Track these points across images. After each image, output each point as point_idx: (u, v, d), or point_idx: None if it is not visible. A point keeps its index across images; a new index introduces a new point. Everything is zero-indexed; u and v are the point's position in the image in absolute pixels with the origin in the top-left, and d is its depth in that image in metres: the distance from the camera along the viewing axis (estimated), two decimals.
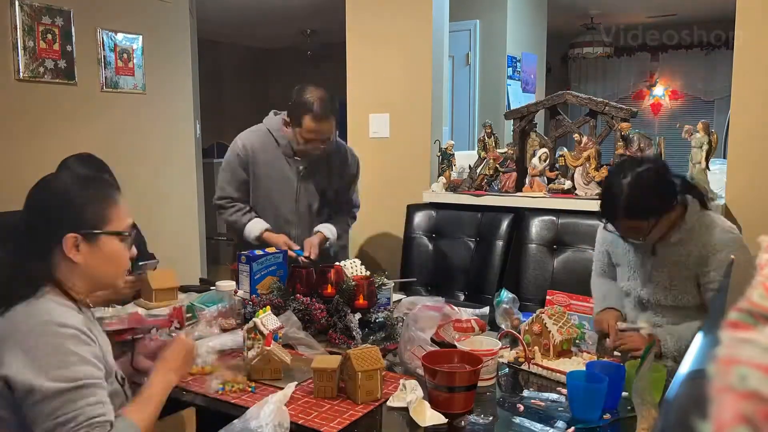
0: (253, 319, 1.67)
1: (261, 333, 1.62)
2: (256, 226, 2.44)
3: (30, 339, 1.12)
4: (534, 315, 1.71)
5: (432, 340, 1.65)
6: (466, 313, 1.84)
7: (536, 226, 2.64)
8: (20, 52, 2.97)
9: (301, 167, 2.50)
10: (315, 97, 2.36)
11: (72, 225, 1.22)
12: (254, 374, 1.54)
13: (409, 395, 1.37)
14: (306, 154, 2.45)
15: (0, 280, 1.21)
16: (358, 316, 1.77)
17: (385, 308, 1.90)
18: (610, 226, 1.78)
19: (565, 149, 2.73)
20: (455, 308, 1.87)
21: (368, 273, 2.04)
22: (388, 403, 1.39)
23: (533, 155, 2.76)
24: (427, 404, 1.34)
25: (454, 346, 1.65)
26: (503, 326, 1.86)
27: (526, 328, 1.68)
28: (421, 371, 1.48)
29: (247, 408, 1.38)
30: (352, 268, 2.04)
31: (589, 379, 1.37)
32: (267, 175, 2.50)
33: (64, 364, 1.12)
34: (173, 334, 1.75)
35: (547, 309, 1.70)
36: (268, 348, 1.53)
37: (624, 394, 1.41)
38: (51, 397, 1.09)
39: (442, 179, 2.96)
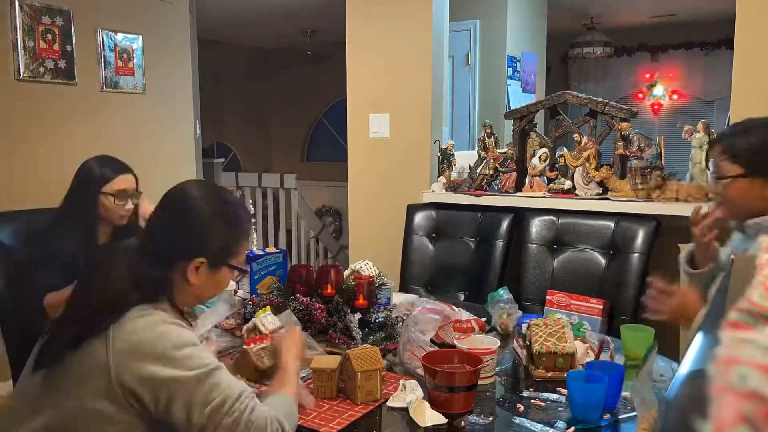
0: (253, 319, 1.67)
1: (260, 333, 1.62)
2: None
3: (158, 345, 1.13)
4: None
5: (431, 341, 1.65)
6: (466, 313, 1.84)
7: (536, 226, 2.64)
8: (20, 52, 2.97)
9: None
10: None
11: (204, 250, 1.25)
12: (233, 372, 1.54)
13: (409, 395, 1.37)
14: None
15: (118, 282, 1.19)
16: (357, 316, 1.77)
17: (385, 308, 1.90)
18: None
19: (565, 149, 2.72)
20: (455, 309, 1.87)
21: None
22: (388, 404, 1.39)
23: (533, 155, 2.76)
24: (427, 404, 1.34)
25: (454, 347, 1.65)
26: (497, 327, 1.86)
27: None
28: (420, 371, 1.48)
29: None
30: (367, 270, 2.06)
31: (589, 379, 1.37)
32: None
33: (195, 355, 1.15)
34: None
35: (543, 318, 1.70)
36: (246, 348, 1.52)
37: (625, 394, 1.41)
38: (196, 383, 1.12)
39: (442, 179, 2.96)
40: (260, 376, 1.51)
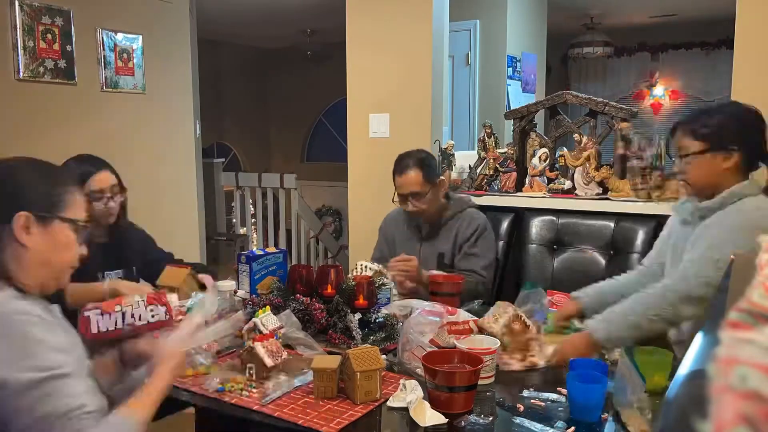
0: (253, 319, 1.67)
1: (260, 333, 1.62)
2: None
3: None
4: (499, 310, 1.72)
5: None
6: (465, 314, 1.84)
7: (536, 226, 2.64)
8: (20, 51, 2.97)
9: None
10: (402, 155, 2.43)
11: (24, 205, 1.15)
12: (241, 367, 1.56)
13: (409, 395, 1.37)
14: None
15: None
16: (357, 316, 1.77)
17: (385, 308, 1.90)
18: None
19: (565, 149, 2.73)
20: (456, 310, 1.87)
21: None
22: (388, 403, 1.39)
23: (533, 155, 2.76)
24: (427, 404, 1.34)
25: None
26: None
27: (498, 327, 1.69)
28: (420, 371, 1.48)
29: (247, 408, 1.38)
30: (370, 269, 2.09)
31: (589, 380, 1.37)
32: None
33: (33, 354, 1.06)
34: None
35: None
36: (255, 344, 1.53)
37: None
38: (26, 389, 1.03)
39: (445, 182, 2.95)
40: (268, 371, 1.53)
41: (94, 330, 1.74)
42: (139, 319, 1.79)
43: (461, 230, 2.39)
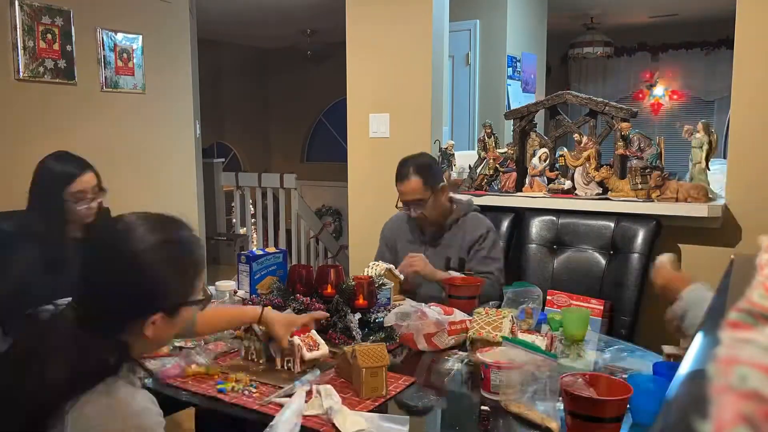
0: None
1: (256, 334, 1.63)
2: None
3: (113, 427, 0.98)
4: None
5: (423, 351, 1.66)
6: (461, 314, 1.84)
7: (536, 226, 2.64)
8: (20, 51, 2.97)
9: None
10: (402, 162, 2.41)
11: (159, 304, 1.07)
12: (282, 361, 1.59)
13: (325, 401, 1.33)
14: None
15: (67, 366, 1.01)
16: (357, 316, 1.77)
17: (385, 308, 1.90)
18: None
19: (565, 149, 2.72)
20: (455, 311, 1.87)
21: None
22: (304, 412, 1.33)
23: (533, 155, 2.76)
24: (348, 410, 1.31)
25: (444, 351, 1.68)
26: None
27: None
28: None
29: (247, 408, 1.38)
30: (374, 269, 2.10)
31: (653, 382, 1.31)
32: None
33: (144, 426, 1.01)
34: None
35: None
36: (293, 338, 1.56)
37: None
38: None
39: (447, 187, 2.95)
40: (306, 365, 1.56)
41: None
42: None
43: (467, 233, 2.38)
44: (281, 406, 1.37)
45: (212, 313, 1.60)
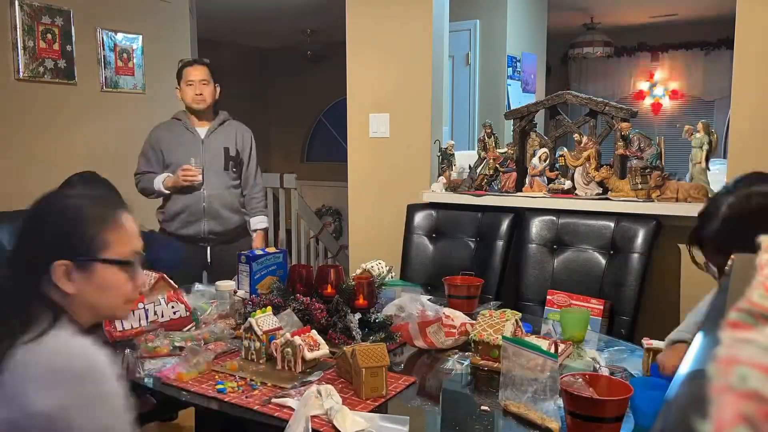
0: (249, 319, 1.67)
1: (256, 334, 1.63)
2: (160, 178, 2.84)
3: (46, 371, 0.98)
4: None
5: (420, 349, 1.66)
6: (461, 317, 1.83)
7: (536, 226, 2.64)
8: (20, 51, 2.97)
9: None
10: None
11: (63, 251, 1.09)
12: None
13: (326, 402, 1.32)
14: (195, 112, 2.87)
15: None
16: (358, 315, 1.77)
17: (384, 310, 1.90)
18: None
19: (565, 149, 2.72)
20: (456, 312, 1.87)
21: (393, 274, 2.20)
22: (306, 413, 1.31)
23: (533, 155, 2.76)
24: (348, 410, 1.30)
25: (445, 351, 1.69)
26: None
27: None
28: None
29: (247, 408, 1.38)
30: (378, 268, 2.10)
31: (653, 387, 1.29)
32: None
33: (107, 408, 1.01)
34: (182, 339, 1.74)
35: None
36: (293, 338, 1.56)
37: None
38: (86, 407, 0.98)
39: (442, 179, 2.96)
40: (307, 365, 1.57)
41: (119, 329, 1.76)
42: (162, 316, 1.82)
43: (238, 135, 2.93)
44: (281, 406, 1.37)
45: None
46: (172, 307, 1.86)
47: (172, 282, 1.99)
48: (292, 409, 1.34)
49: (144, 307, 1.81)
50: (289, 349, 1.58)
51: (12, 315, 1.05)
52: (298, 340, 1.56)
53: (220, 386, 1.48)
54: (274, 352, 1.60)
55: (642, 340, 1.63)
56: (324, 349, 1.61)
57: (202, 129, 2.86)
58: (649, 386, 1.30)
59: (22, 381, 0.97)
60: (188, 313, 1.88)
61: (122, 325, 1.77)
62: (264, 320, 1.66)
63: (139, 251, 1.18)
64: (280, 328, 1.67)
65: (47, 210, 1.14)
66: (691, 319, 1.64)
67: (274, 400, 1.40)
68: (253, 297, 1.97)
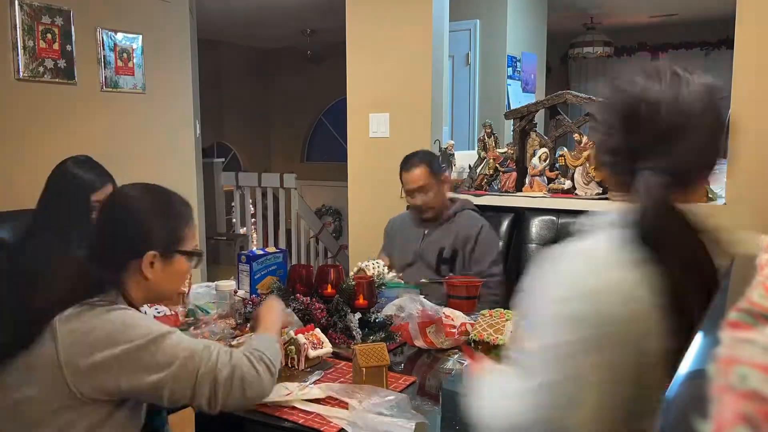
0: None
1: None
2: None
3: (104, 329, 1.15)
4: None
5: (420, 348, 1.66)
6: (461, 317, 1.83)
7: (536, 226, 2.64)
8: (20, 51, 2.97)
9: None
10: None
11: (151, 243, 1.26)
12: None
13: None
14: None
15: (62, 281, 1.23)
16: (358, 315, 1.77)
17: (384, 310, 1.90)
18: None
19: (565, 149, 2.73)
20: (456, 312, 1.87)
21: (393, 273, 2.19)
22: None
23: (533, 155, 2.76)
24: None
25: (445, 351, 1.70)
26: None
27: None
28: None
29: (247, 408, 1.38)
30: (373, 268, 2.10)
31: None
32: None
33: (141, 325, 1.18)
34: None
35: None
36: (296, 338, 1.57)
37: None
38: (147, 347, 1.14)
39: (450, 178, 2.95)
40: (311, 363, 1.58)
41: None
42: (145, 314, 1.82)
43: (462, 228, 2.49)
44: (283, 405, 1.37)
45: None
46: (156, 308, 1.86)
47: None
48: (294, 408, 1.35)
49: None
50: (292, 347, 1.58)
51: (88, 293, 1.20)
52: (302, 338, 1.57)
53: None
54: None
55: None
56: (327, 347, 1.61)
57: None
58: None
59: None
60: (173, 313, 1.88)
61: None
62: None
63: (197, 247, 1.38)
64: (285, 326, 1.67)
65: (131, 208, 1.31)
66: None
67: (275, 399, 1.40)
68: (253, 297, 1.97)
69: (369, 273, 2.09)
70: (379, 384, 1.42)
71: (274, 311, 1.51)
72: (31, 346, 1.14)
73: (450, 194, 2.72)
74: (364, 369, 1.40)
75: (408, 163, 2.52)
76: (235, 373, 1.19)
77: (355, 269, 2.16)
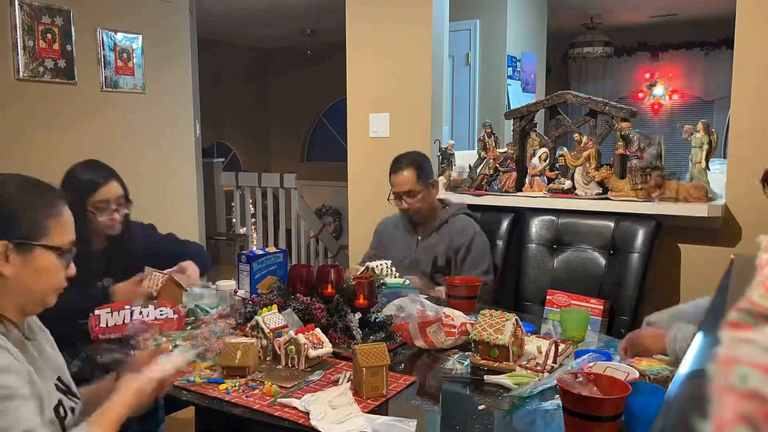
0: (255, 317, 1.68)
1: (263, 331, 1.63)
2: None
3: None
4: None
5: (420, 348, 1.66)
6: (461, 316, 1.83)
7: (536, 226, 2.64)
8: (20, 51, 2.97)
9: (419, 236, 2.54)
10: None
11: (5, 232, 1.12)
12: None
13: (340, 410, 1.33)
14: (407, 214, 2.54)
15: None
16: (358, 315, 1.77)
17: (384, 309, 1.90)
18: None
19: (565, 149, 2.72)
20: (456, 312, 1.87)
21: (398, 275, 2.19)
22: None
23: (533, 155, 2.76)
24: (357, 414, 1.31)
25: (445, 351, 1.69)
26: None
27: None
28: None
29: (247, 408, 1.38)
30: (380, 268, 2.11)
31: (645, 392, 1.25)
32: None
33: None
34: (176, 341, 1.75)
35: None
36: (296, 337, 1.57)
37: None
38: None
39: (442, 179, 2.95)
40: (311, 363, 1.59)
41: (103, 325, 1.79)
42: (148, 316, 1.83)
43: (455, 235, 2.48)
44: (283, 405, 1.37)
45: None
46: (161, 311, 1.86)
47: (181, 284, 1.99)
48: (295, 409, 1.35)
49: (130, 308, 1.83)
50: (292, 347, 1.58)
51: None
52: (302, 338, 1.57)
53: (222, 386, 1.48)
54: (278, 350, 1.61)
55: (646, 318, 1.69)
56: (328, 347, 1.61)
57: None
58: (641, 391, 1.26)
59: None
60: (176, 317, 1.88)
61: (106, 322, 1.79)
62: (270, 318, 1.67)
63: (74, 243, 1.23)
64: (286, 326, 1.67)
65: (3, 186, 1.17)
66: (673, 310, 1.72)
67: (279, 399, 1.40)
68: (253, 297, 1.97)
69: (378, 272, 2.10)
70: (380, 383, 1.42)
71: (132, 385, 1.24)
72: None
73: (444, 195, 2.72)
74: (364, 369, 1.40)
75: (396, 164, 2.50)
76: None
77: (362, 269, 2.16)
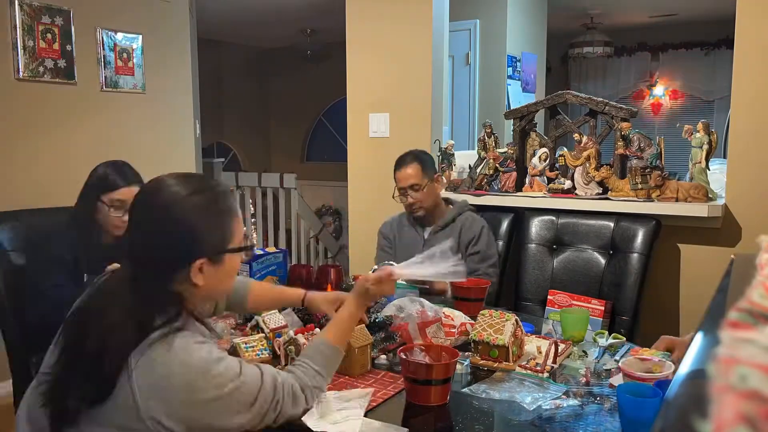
0: (255, 317, 1.68)
1: (263, 331, 1.63)
2: None
3: (183, 377, 1.05)
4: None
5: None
6: (461, 316, 1.83)
7: (536, 226, 2.64)
8: (20, 51, 2.97)
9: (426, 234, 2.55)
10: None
11: (200, 250, 1.13)
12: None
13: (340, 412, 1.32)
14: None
15: (117, 327, 1.07)
16: None
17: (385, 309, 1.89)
18: None
19: (565, 149, 2.72)
20: (456, 312, 1.87)
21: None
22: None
23: (533, 155, 2.76)
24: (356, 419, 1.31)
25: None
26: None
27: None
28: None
29: None
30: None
31: (641, 393, 1.24)
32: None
33: (220, 373, 1.09)
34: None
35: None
36: (296, 337, 1.58)
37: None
38: (229, 397, 1.09)
39: (443, 179, 2.95)
40: None
41: None
42: None
43: (464, 231, 2.49)
44: None
45: (260, 291, 1.73)
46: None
47: None
48: None
49: None
50: (292, 347, 1.58)
51: (139, 311, 1.08)
52: (302, 338, 1.57)
53: None
54: (278, 350, 1.61)
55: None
56: None
57: None
58: (633, 392, 1.25)
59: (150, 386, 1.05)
60: None
61: None
62: (270, 318, 1.67)
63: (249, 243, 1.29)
64: (286, 326, 1.67)
65: (174, 217, 1.14)
66: None
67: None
68: None
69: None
70: (365, 360, 1.55)
71: (354, 316, 1.42)
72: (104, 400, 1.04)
73: (447, 194, 2.72)
74: (356, 349, 1.51)
75: (400, 161, 2.54)
76: (294, 401, 1.20)
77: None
